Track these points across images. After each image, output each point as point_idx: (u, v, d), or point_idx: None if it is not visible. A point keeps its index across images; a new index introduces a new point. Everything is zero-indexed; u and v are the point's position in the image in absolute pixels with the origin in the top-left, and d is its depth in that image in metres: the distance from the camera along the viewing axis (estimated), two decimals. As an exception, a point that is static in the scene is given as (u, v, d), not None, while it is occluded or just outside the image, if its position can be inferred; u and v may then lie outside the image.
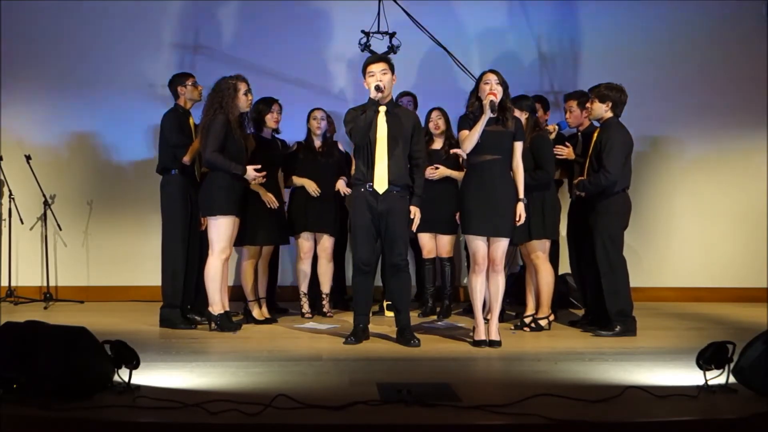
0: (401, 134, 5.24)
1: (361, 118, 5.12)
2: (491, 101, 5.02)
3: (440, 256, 6.44)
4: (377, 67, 5.18)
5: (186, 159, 5.80)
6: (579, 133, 6.15)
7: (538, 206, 5.65)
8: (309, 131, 6.41)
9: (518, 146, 5.23)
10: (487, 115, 5.05)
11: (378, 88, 5.13)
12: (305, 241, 6.35)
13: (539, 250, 5.74)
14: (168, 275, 5.87)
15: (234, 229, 5.63)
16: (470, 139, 5.12)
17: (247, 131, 5.88)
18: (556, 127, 6.31)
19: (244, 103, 5.64)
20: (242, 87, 5.62)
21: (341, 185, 6.24)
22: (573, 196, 5.94)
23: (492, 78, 5.14)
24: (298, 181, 6.31)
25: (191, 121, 5.93)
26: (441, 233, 6.38)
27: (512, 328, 5.83)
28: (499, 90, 5.10)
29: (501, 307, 5.35)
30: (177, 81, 5.97)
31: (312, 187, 6.24)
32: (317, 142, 6.39)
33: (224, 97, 5.56)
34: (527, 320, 5.83)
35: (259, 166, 5.61)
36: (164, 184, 5.91)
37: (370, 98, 5.18)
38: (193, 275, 5.90)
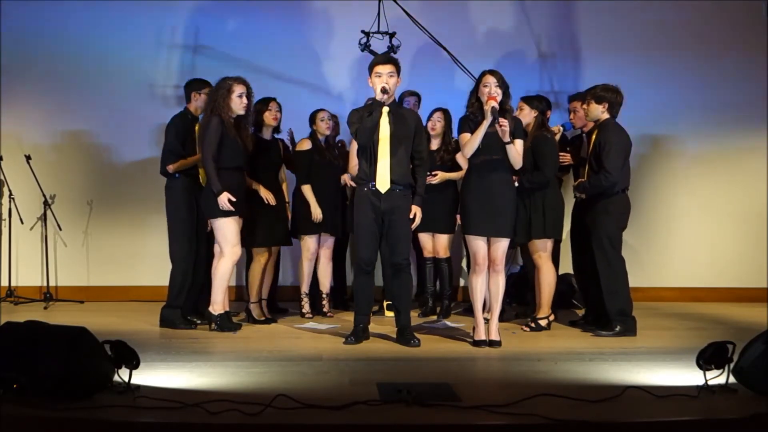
0: (404, 134, 5.24)
1: (367, 119, 5.11)
2: (492, 108, 5.01)
3: (438, 256, 6.44)
4: (385, 69, 5.17)
5: (170, 168, 5.81)
6: (583, 134, 6.15)
7: (538, 206, 5.67)
8: (313, 132, 6.38)
9: (518, 143, 5.20)
10: (488, 121, 5.04)
11: (384, 91, 5.12)
12: (311, 242, 6.33)
13: (540, 249, 5.75)
14: (174, 277, 5.87)
15: (239, 228, 5.61)
16: (471, 144, 5.12)
17: (248, 132, 5.79)
18: (561, 128, 6.32)
19: (237, 105, 5.56)
20: (237, 89, 5.55)
21: (347, 178, 6.23)
22: (575, 197, 5.96)
23: (491, 80, 5.13)
24: (308, 196, 6.18)
25: (197, 128, 5.89)
26: (438, 233, 6.37)
27: (520, 329, 5.79)
28: (498, 93, 5.09)
29: (501, 307, 5.35)
30: (193, 86, 5.95)
31: (316, 216, 6.15)
32: (323, 143, 6.37)
33: (218, 98, 5.54)
34: (543, 323, 5.81)
35: (233, 199, 5.46)
36: (168, 186, 5.92)
37: (375, 99, 5.19)
38: (199, 277, 5.89)
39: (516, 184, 5.52)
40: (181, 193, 5.84)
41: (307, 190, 6.23)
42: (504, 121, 5.00)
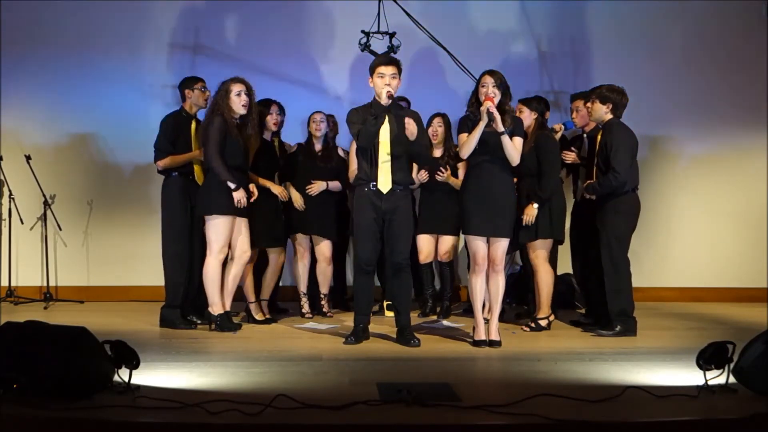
0: (404, 134, 5.23)
1: (372, 124, 5.10)
2: (488, 110, 5.01)
3: (440, 259, 6.40)
4: (388, 70, 5.15)
5: (159, 164, 5.82)
6: (584, 134, 6.15)
7: (545, 207, 5.67)
8: (310, 134, 6.39)
9: (517, 140, 5.19)
10: (484, 122, 5.04)
11: (391, 96, 5.10)
12: (301, 242, 6.34)
13: (540, 249, 5.74)
14: (169, 276, 5.88)
15: (231, 228, 5.61)
16: (467, 145, 5.13)
17: (253, 131, 5.72)
18: (562, 126, 6.32)
19: (237, 104, 5.56)
20: (235, 88, 5.56)
21: (318, 187, 6.20)
22: (579, 197, 5.96)
23: (489, 81, 5.13)
24: (290, 190, 6.23)
25: (193, 126, 5.91)
26: (442, 234, 6.35)
27: (520, 329, 5.80)
28: (496, 94, 5.09)
29: (501, 307, 5.36)
30: (186, 84, 5.97)
31: (298, 204, 6.20)
32: (318, 146, 6.36)
33: (218, 100, 5.57)
34: (543, 323, 5.81)
35: (247, 197, 5.53)
36: (165, 185, 5.92)
37: (376, 101, 5.19)
38: (196, 276, 5.89)
39: (536, 206, 5.58)
40: (177, 191, 5.84)
41: (288, 185, 6.24)
42: (494, 108, 5.00)
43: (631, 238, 5.65)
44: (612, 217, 5.57)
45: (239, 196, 5.50)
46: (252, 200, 5.67)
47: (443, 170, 6.14)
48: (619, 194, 5.55)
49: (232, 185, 5.48)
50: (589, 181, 5.71)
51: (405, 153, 5.25)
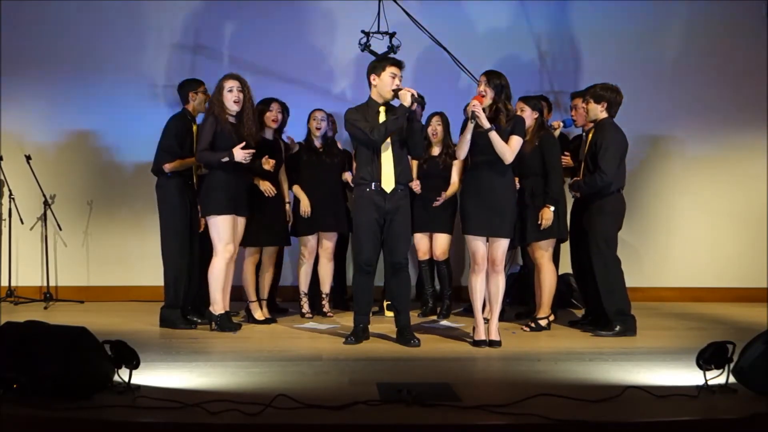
0: (402, 133, 5.24)
1: (392, 122, 5.11)
2: (472, 111, 5.01)
3: (436, 258, 6.41)
4: (399, 72, 5.19)
5: (167, 167, 5.78)
6: (584, 134, 6.15)
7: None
8: (309, 132, 6.40)
9: (514, 140, 5.15)
10: (471, 121, 5.05)
11: (416, 99, 5.10)
12: (310, 241, 6.34)
13: (544, 249, 5.74)
14: (168, 276, 5.88)
15: (233, 227, 5.61)
16: (460, 147, 5.17)
17: (252, 128, 5.66)
18: (561, 123, 6.32)
19: (229, 100, 5.55)
20: (227, 85, 5.57)
21: (348, 177, 6.22)
22: (572, 196, 5.98)
23: (482, 80, 5.16)
24: (297, 193, 6.26)
25: (195, 128, 5.90)
26: (436, 232, 6.34)
27: (520, 329, 5.80)
28: (486, 93, 5.10)
29: (501, 307, 5.35)
30: (189, 86, 5.96)
31: (305, 210, 6.19)
32: (317, 143, 6.38)
33: (213, 99, 5.60)
34: (542, 323, 5.81)
35: (243, 144, 5.50)
36: (159, 185, 5.90)
37: (373, 100, 5.24)
38: (195, 276, 5.89)
39: (552, 209, 5.56)
40: (173, 192, 5.83)
41: (296, 189, 6.26)
42: (478, 107, 4.99)
43: (617, 238, 5.66)
44: (598, 218, 5.58)
45: (241, 157, 5.47)
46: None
47: (439, 198, 6.12)
48: (604, 195, 5.57)
49: (226, 158, 5.47)
50: (575, 179, 5.73)
51: (404, 151, 5.28)
